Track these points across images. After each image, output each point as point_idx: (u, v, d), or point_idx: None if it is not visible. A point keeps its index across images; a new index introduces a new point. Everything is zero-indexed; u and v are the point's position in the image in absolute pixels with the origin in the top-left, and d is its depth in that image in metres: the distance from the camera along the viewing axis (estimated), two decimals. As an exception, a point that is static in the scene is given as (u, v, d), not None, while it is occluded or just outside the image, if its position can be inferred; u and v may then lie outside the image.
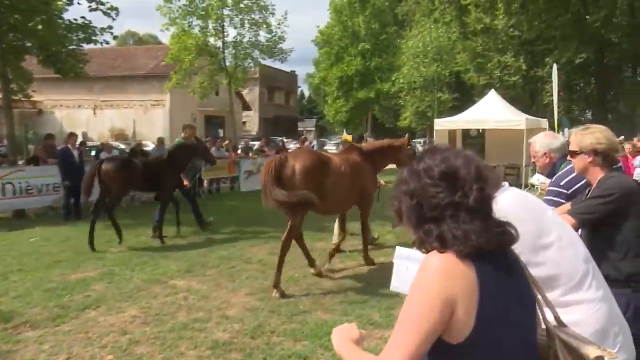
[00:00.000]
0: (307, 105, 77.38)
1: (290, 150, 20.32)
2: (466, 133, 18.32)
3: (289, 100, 53.79)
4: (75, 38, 14.51)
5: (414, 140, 44.04)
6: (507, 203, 1.89)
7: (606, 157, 2.70)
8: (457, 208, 1.33)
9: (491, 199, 1.37)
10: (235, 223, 10.35)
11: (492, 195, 1.37)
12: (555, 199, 3.12)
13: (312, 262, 6.70)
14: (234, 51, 23.32)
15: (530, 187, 14.24)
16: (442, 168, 1.36)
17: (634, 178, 9.72)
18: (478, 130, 17.84)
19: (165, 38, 43.58)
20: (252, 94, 44.54)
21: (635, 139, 14.25)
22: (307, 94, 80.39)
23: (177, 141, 9.89)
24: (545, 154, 3.48)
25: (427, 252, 1.37)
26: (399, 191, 1.42)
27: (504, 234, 1.37)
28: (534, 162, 3.62)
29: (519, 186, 14.75)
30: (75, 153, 11.65)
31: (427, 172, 1.38)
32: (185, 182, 9.58)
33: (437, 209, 1.34)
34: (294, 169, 5.94)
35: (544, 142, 3.49)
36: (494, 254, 1.36)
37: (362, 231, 7.32)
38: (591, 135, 2.73)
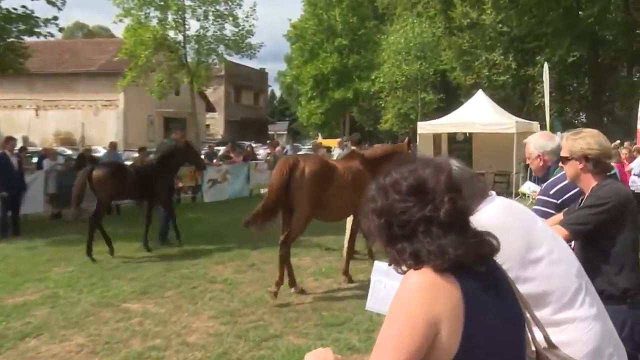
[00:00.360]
0: (278, 106, 77.48)
1: (259, 157, 20.36)
2: (452, 137, 18.61)
3: (258, 100, 53.76)
4: (14, 29, 14.18)
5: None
6: (493, 214, 1.93)
7: (598, 163, 2.77)
8: (428, 223, 1.35)
9: (466, 209, 1.40)
10: (198, 237, 10.25)
11: (466, 205, 1.40)
12: (543, 208, 3.18)
13: (292, 281, 6.78)
14: (196, 46, 23.20)
15: (521, 196, 14.52)
16: (410, 181, 1.38)
17: (630, 186, 9.95)
18: (465, 134, 18.14)
19: (119, 30, 43.10)
20: (216, 94, 44.32)
21: (627, 144, 14.64)
22: (278, 93, 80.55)
23: (165, 142, 10.33)
24: (539, 156, 3.56)
25: (403, 272, 1.39)
26: (367, 209, 1.44)
27: (483, 243, 1.40)
28: (526, 167, 3.73)
29: (509, 195, 15.04)
30: (14, 160, 11.35)
31: (394, 186, 1.40)
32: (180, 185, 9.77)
33: (407, 226, 1.37)
34: (304, 171, 6.50)
35: (538, 143, 3.56)
36: (477, 269, 1.38)
37: (349, 240, 7.55)
38: (582, 140, 2.80)
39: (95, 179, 8.64)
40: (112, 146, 15.07)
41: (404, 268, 1.38)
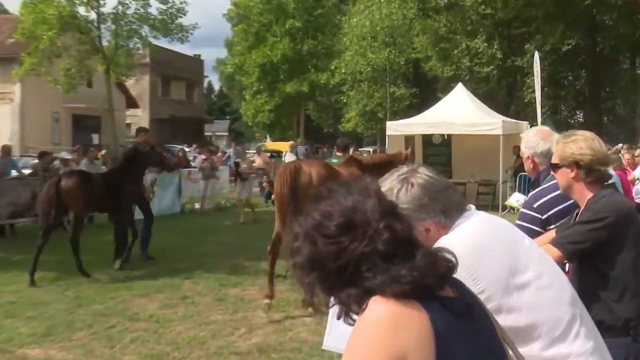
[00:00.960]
0: (217, 102, 77.20)
1: (193, 164, 20.17)
2: (427, 139, 18.96)
3: (192, 94, 53.36)
4: None
5: (360, 149, 44.99)
6: (469, 232, 1.97)
7: (591, 171, 2.86)
8: (369, 258, 1.41)
9: (407, 231, 1.46)
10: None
11: (407, 226, 1.46)
12: (527, 224, 3.26)
13: (271, 293, 7.42)
14: (113, 26, 22.89)
15: (509, 210, 14.88)
16: (336, 219, 1.43)
17: (634, 197, 10.18)
18: (442, 135, 18.49)
19: (13, 6, 41.99)
20: (139, 86, 43.74)
21: (626, 147, 15.00)
22: (216, 86, 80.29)
23: (129, 147, 11.37)
24: (529, 157, 3.67)
25: (354, 320, 1.43)
26: (294, 264, 1.49)
27: (437, 260, 1.45)
28: (515, 175, 3.83)
29: (495, 209, 15.41)
30: None
31: (320, 229, 1.44)
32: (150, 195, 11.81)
33: (347, 269, 1.41)
34: (311, 176, 7.21)
35: (530, 141, 3.67)
36: (445, 295, 1.43)
37: None
38: (573, 144, 2.90)
39: (65, 190, 9.27)
40: (5, 151, 14.61)
41: (356, 316, 1.43)
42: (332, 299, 1.47)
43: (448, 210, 2.01)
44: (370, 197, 1.45)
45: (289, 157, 19.43)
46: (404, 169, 2.09)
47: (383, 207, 1.45)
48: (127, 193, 10.06)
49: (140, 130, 11.64)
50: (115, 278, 9.29)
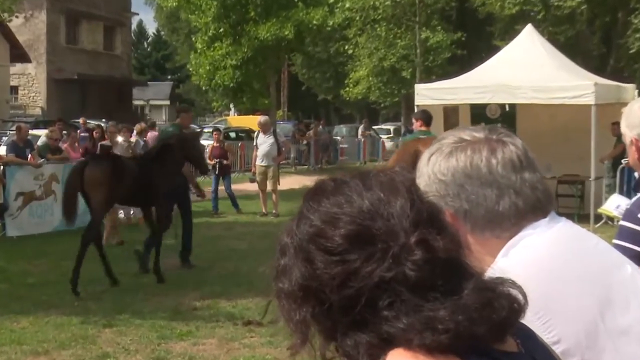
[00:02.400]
0: (151, 53, 76.86)
1: (116, 151, 20.08)
2: (479, 112, 18.97)
3: (113, 41, 53.20)
4: None
5: (376, 126, 44.79)
6: (539, 253, 2.01)
7: None
8: (392, 289, 1.39)
9: (452, 251, 1.43)
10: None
11: (451, 244, 1.43)
12: (629, 245, 3.26)
13: None
14: None
15: (605, 221, 14.93)
16: (345, 226, 1.42)
17: None
18: (502, 106, 18.41)
19: None
20: (31, 28, 43.66)
21: None
22: (151, 29, 79.74)
23: (167, 129, 13.60)
24: (634, 141, 3.56)
25: None
26: (278, 291, 1.49)
27: (497, 299, 1.42)
28: (614, 167, 3.83)
29: (583, 217, 15.44)
30: None
31: (319, 241, 1.43)
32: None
33: (356, 304, 1.39)
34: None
35: (634, 119, 3.50)
36: (501, 349, 1.44)
37: None
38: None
39: (88, 180, 11.06)
40: None
41: None
42: (333, 347, 1.45)
43: (473, 214, 2.04)
44: (399, 196, 1.43)
45: (263, 141, 19.38)
46: (483, 131, 2.12)
47: (417, 212, 1.43)
48: (160, 187, 11.84)
49: (181, 110, 13.82)
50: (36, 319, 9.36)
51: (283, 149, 21.13)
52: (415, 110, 18.17)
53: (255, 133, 20.99)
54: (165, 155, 11.93)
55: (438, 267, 1.39)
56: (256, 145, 19.76)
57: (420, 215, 1.42)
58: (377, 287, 1.38)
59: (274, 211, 19.33)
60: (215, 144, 21.62)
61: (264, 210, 19.55)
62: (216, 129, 25.75)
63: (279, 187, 19.83)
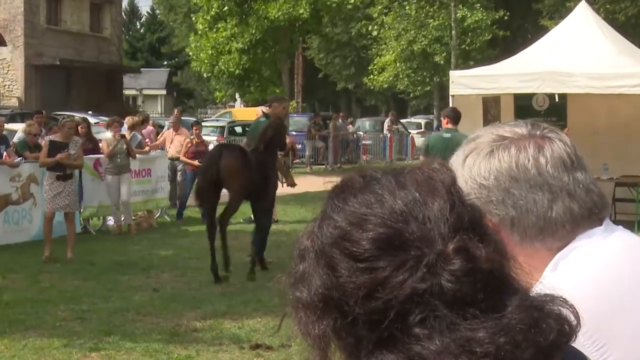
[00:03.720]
0: (145, 36, 77.11)
1: (100, 156, 20.15)
2: (524, 103, 18.88)
3: (101, 22, 53.44)
4: None
5: (404, 120, 44.58)
6: (595, 269, 2.02)
7: None
8: (426, 304, 1.38)
9: (496, 262, 1.42)
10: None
11: (494, 254, 1.42)
12: None
13: None
14: None
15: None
16: (376, 231, 1.40)
17: None
18: (551, 96, 18.37)
19: None
20: (6, 7, 43.92)
21: None
22: (145, 7, 79.96)
23: (260, 121, 15.23)
24: None
25: None
26: (296, 301, 1.47)
27: (544, 320, 1.41)
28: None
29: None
30: None
31: (344, 245, 1.42)
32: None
33: (385, 318, 1.39)
34: None
35: None
36: None
37: None
38: None
39: (225, 169, 13.10)
40: None
41: None
42: None
43: (523, 222, 2.04)
44: (437, 196, 1.42)
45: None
46: (524, 126, 2.11)
47: (458, 216, 1.42)
48: (271, 179, 14.02)
49: (276, 99, 15.45)
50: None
51: None
52: (450, 101, 18.26)
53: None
54: (271, 147, 13.91)
55: (479, 280, 1.38)
56: None
57: (461, 219, 1.41)
58: (409, 300, 1.37)
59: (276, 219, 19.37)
60: (196, 140, 20.90)
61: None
62: (196, 123, 24.19)
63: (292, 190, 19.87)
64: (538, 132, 2.06)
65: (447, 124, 13.36)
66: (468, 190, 1.90)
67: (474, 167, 2.02)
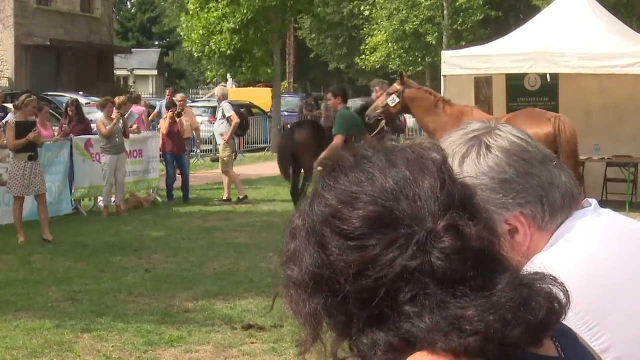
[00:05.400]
0: (136, 15, 76.89)
1: (94, 127, 20.15)
2: (516, 84, 18.92)
3: (92, 1, 53.21)
4: None
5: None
6: (585, 248, 2.02)
7: None
8: (416, 282, 1.39)
9: (486, 240, 1.44)
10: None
11: (484, 232, 1.44)
12: None
13: None
14: None
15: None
16: (366, 209, 1.42)
17: None
18: (544, 76, 18.33)
19: None
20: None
21: None
22: (135, -14, 79.68)
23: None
24: None
25: None
26: (287, 280, 1.49)
27: (534, 298, 1.42)
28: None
29: (636, 206, 15.41)
30: None
31: (334, 223, 1.43)
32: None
33: (375, 296, 1.40)
34: (571, 132, 11.89)
35: None
36: (541, 356, 1.45)
37: None
38: None
39: (299, 143, 15.68)
40: None
41: None
42: (346, 346, 1.45)
43: (550, 199, 2.03)
44: (428, 175, 1.43)
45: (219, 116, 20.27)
46: (476, 124, 2.12)
47: (448, 194, 1.43)
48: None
49: (377, 84, 16.88)
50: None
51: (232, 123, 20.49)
52: (442, 82, 18.27)
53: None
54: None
55: (469, 258, 1.39)
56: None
57: (451, 197, 1.42)
58: (399, 278, 1.38)
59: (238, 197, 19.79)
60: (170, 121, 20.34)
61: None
62: (172, 105, 22.53)
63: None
64: (481, 129, 2.07)
65: (340, 103, 15.51)
66: (483, 191, 1.93)
67: (481, 164, 2.00)
